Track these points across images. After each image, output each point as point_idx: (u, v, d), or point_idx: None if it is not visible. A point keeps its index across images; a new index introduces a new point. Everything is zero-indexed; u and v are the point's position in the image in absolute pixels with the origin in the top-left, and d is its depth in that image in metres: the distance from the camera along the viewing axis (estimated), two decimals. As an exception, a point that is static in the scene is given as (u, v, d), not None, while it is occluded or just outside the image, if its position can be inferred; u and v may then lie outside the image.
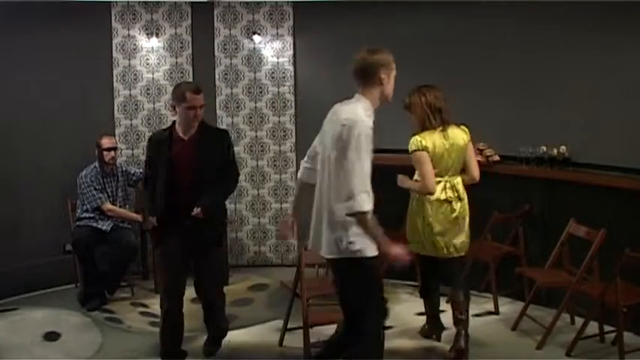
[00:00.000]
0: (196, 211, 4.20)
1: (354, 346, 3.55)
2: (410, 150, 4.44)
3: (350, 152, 3.31)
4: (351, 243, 3.39)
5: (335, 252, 3.45)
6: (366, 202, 3.29)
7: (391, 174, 4.54)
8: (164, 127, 6.56)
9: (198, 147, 4.27)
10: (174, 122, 4.40)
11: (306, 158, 3.82)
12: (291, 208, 4.03)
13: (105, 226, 5.76)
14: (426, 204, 4.45)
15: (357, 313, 3.53)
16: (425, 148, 4.36)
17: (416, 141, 4.41)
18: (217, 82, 6.69)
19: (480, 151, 5.68)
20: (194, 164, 4.24)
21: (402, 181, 4.58)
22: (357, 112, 3.41)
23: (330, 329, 4.78)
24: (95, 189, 5.78)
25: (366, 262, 3.43)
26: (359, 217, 3.29)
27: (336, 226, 3.40)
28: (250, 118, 6.73)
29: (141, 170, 6.27)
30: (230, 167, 4.46)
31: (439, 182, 4.43)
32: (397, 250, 3.36)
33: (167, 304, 4.27)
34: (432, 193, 4.37)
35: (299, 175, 3.88)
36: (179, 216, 4.22)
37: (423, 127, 4.47)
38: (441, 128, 4.44)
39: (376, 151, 3.48)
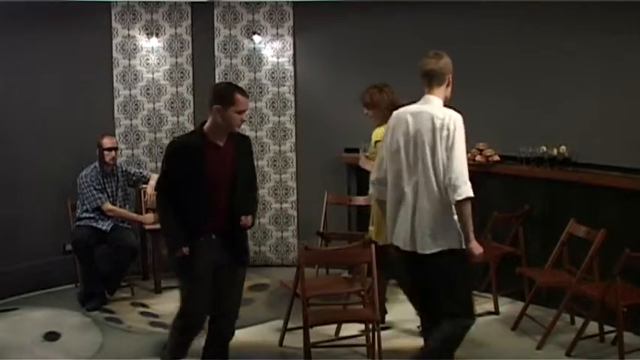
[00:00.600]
0: (245, 219, 3.95)
1: (451, 332, 3.73)
2: (374, 140, 4.84)
3: (457, 143, 3.59)
4: (453, 235, 3.64)
5: (437, 245, 3.63)
6: (471, 188, 3.56)
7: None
8: (165, 127, 6.66)
9: (237, 155, 3.95)
10: (201, 125, 3.96)
11: (379, 178, 3.92)
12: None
13: (105, 226, 5.75)
14: None
15: (462, 300, 3.74)
16: None
17: (381, 132, 4.69)
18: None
19: (480, 151, 5.69)
20: (232, 174, 3.91)
21: (365, 162, 5.05)
22: (445, 109, 3.71)
23: (330, 329, 4.80)
24: (95, 189, 5.77)
25: (464, 252, 3.66)
26: (465, 203, 3.55)
27: (436, 221, 3.63)
28: (250, 118, 6.72)
29: (141, 171, 6.27)
30: (254, 175, 4.22)
31: None
32: (478, 248, 3.64)
33: (193, 320, 4.00)
34: None
35: (379, 196, 3.96)
36: (211, 229, 3.92)
37: (383, 122, 4.76)
38: None
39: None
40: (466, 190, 3.55)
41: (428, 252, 3.66)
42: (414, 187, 3.69)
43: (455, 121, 3.63)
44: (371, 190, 4.03)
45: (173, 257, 3.90)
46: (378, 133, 4.84)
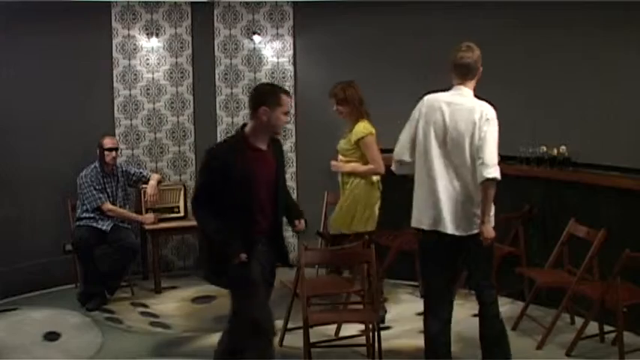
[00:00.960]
0: (299, 224, 3.98)
1: (493, 295, 4.07)
2: (359, 136, 4.95)
3: (491, 130, 3.76)
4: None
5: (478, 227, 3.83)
6: (499, 173, 3.73)
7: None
8: (165, 127, 6.66)
9: (277, 158, 3.87)
10: (242, 128, 3.84)
11: (403, 156, 3.98)
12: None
13: (105, 226, 5.75)
14: (374, 185, 5.05)
15: (491, 271, 4.09)
16: (373, 134, 4.95)
17: (365, 128, 4.95)
18: (217, 82, 6.69)
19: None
20: (275, 177, 3.84)
21: (339, 166, 5.12)
22: (480, 101, 3.85)
23: (330, 329, 4.80)
24: (95, 189, 5.77)
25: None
26: (492, 183, 3.71)
27: (474, 203, 3.80)
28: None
29: (141, 170, 6.27)
30: (285, 178, 4.12)
31: None
32: (490, 231, 3.84)
33: (266, 324, 3.78)
34: (382, 174, 4.97)
35: (398, 170, 4.07)
36: (257, 234, 3.82)
37: (357, 118, 5.01)
38: (368, 118, 5.03)
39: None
40: (496, 171, 3.70)
41: (471, 233, 3.85)
42: (451, 175, 3.82)
43: (491, 112, 3.81)
44: (396, 168, 4.07)
45: (230, 265, 3.69)
46: (362, 128, 4.95)
